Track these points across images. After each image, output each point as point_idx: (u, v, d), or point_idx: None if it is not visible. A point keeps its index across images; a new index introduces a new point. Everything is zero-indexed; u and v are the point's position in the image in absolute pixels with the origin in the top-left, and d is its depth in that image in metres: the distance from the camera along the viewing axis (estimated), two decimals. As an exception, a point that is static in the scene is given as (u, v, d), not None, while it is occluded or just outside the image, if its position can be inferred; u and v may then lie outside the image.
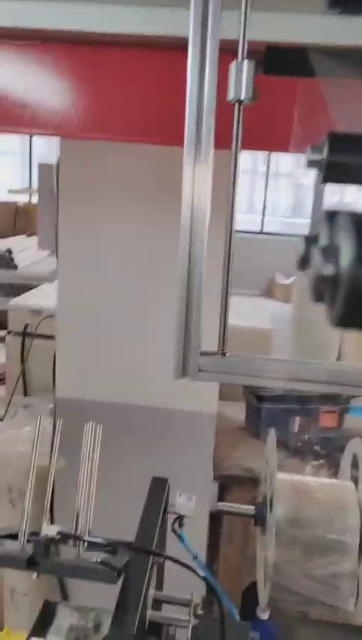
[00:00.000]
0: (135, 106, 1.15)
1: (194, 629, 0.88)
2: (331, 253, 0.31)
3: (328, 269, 0.31)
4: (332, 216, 0.33)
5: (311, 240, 0.34)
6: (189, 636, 0.88)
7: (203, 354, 0.73)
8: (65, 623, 0.88)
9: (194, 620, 0.90)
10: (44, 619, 0.87)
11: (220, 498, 2.02)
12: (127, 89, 1.14)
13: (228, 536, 2.05)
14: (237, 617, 0.99)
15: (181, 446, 1.80)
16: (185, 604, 0.94)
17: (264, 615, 2.15)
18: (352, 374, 0.85)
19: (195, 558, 0.99)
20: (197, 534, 1.59)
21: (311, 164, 0.48)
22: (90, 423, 0.83)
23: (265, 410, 2.20)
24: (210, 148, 0.79)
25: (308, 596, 1.62)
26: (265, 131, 1.17)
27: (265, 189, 8.52)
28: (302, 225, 8.57)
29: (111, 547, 0.77)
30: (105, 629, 0.84)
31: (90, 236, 1.77)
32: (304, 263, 0.33)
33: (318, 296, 0.32)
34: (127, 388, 1.76)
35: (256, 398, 2.23)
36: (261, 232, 8.42)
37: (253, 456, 2.08)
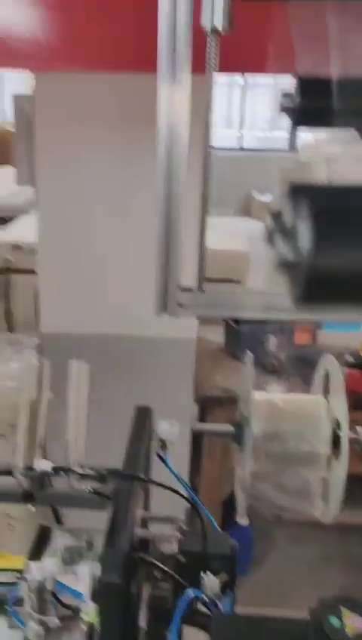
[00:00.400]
0: (107, 34, 1.09)
1: (180, 543, 0.96)
2: (292, 237, 0.32)
3: (288, 254, 0.32)
4: (295, 193, 0.33)
5: (276, 216, 0.34)
6: (176, 549, 0.96)
7: (182, 290, 0.75)
8: (60, 544, 0.95)
9: (178, 535, 0.98)
10: (40, 542, 0.93)
11: (201, 418, 2.12)
12: (98, 16, 1.08)
13: (209, 452, 2.16)
14: (218, 527, 1.07)
15: (163, 372, 1.86)
16: (171, 521, 1.01)
17: (243, 522, 2.31)
18: None
19: (178, 478, 1.06)
20: (179, 453, 1.68)
21: (283, 109, 0.48)
22: (75, 362, 0.86)
23: (242, 331, 2.26)
24: (187, 70, 0.77)
25: (281, 505, 1.75)
26: (240, 55, 1.13)
27: (242, 102, 8.20)
28: (281, 138, 8.34)
29: (101, 476, 0.83)
30: (98, 547, 0.92)
31: (69, 167, 1.72)
32: (271, 239, 0.34)
33: (282, 273, 0.34)
34: (109, 319, 1.79)
35: (233, 320, 2.29)
36: (240, 149, 8.18)
37: (232, 377, 2.16)
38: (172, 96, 0.77)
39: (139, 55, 1.00)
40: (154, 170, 0.79)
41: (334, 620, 0.74)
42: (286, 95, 0.50)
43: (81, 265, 1.83)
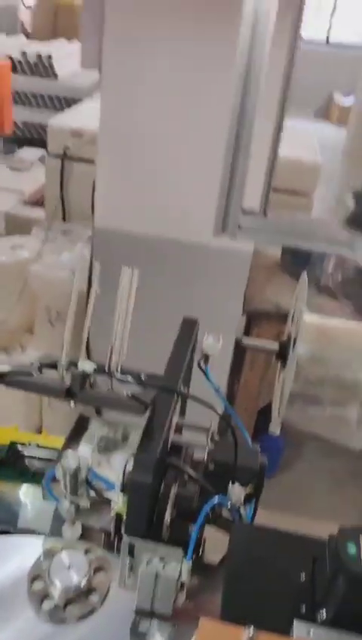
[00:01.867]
0: None
1: (211, 452, 0.99)
2: None
3: None
4: None
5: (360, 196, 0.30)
6: (206, 458, 0.99)
7: (244, 212, 0.71)
8: (97, 433, 1.00)
9: (211, 444, 1.01)
10: (78, 429, 0.98)
11: (247, 331, 2.12)
12: None
13: (251, 364, 2.18)
14: (250, 442, 1.09)
15: (215, 281, 1.83)
16: (204, 430, 1.04)
17: (275, 432, 2.37)
18: None
19: (217, 391, 1.08)
20: (221, 362, 1.70)
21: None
22: (127, 269, 0.85)
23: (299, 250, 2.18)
24: None
25: (316, 428, 1.77)
26: None
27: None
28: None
29: (140, 382, 0.84)
30: (133, 440, 0.96)
31: (138, 52, 1.61)
32: (354, 220, 0.30)
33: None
34: (166, 221, 1.75)
35: (293, 236, 2.21)
36: (326, 43, 7.50)
37: (285, 293, 2.12)
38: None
39: None
40: (230, 71, 0.72)
41: (351, 547, 0.76)
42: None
43: (143, 160, 1.77)
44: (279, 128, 0.68)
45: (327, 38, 7.50)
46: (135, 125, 1.71)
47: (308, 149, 2.78)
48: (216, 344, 1.07)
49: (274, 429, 2.17)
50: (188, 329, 1.09)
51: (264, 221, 0.72)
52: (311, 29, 7.39)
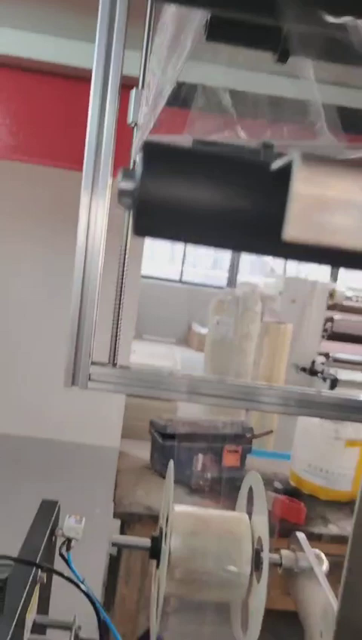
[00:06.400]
0: (44, 130, 1.19)
1: (74, 652, 0.86)
2: (132, 174, 0.39)
3: (127, 185, 0.39)
4: (146, 146, 0.41)
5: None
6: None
7: (94, 363, 0.75)
8: None
9: (74, 643, 0.88)
10: None
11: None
12: (36, 114, 1.18)
13: (125, 577, 2.00)
14: (119, 638, 0.97)
15: (82, 479, 1.77)
16: (67, 627, 0.92)
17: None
18: (249, 389, 0.89)
19: (82, 582, 0.98)
20: (94, 573, 1.55)
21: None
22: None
23: (168, 448, 2.21)
24: (108, 175, 0.83)
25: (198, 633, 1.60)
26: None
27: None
28: (221, 277, 8.89)
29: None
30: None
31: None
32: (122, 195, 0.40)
33: (127, 208, 0.40)
34: (26, 420, 1.73)
35: (160, 436, 2.25)
36: (180, 281, 8.64)
37: (156, 494, 2.07)
38: (93, 199, 0.80)
39: (73, 154, 1.09)
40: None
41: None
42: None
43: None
44: (118, 309, 0.76)
45: (181, 278, 8.66)
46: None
47: (171, 361, 3.02)
48: (77, 525, 1.01)
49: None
50: (47, 510, 1.02)
51: (113, 370, 0.76)
52: (169, 271, 8.60)
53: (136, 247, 1.65)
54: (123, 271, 0.79)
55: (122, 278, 0.78)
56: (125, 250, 0.79)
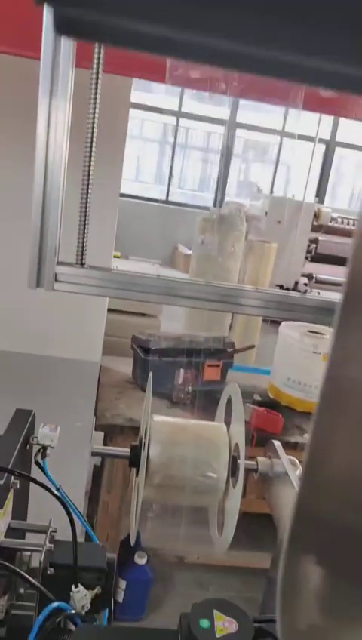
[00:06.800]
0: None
1: (48, 553, 0.87)
2: None
3: None
4: None
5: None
6: (42, 559, 0.87)
7: (60, 263, 0.70)
8: None
9: (48, 545, 0.89)
10: None
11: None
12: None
13: (107, 486, 2.06)
14: (96, 540, 0.99)
15: (63, 393, 1.77)
16: (43, 530, 0.92)
17: (141, 560, 2.19)
18: (231, 290, 0.85)
19: (58, 489, 0.98)
20: (77, 483, 1.58)
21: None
22: None
23: (150, 362, 2.21)
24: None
25: (175, 534, 1.66)
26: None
27: (172, 159, 8.56)
28: (208, 198, 8.70)
29: None
30: None
31: None
32: None
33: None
34: (7, 335, 1.70)
35: (142, 351, 2.24)
36: (166, 202, 8.43)
37: (137, 407, 2.09)
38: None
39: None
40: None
41: (204, 622, 0.68)
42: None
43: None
44: (85, 209, 0.70)
45: (167, 198, 8.45)
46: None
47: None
48: (52, 433, 1.00)
49: (140, 556, 2.00)
50: (21, 419, 1.00)
51: (80, 270, 0.71)
52: (156, 192, 8.39)
53: (115, 158, 1.55)
54: (90, 156, 0.72)
55: (89, 166, 0.71)
56: (92, 133, 0.72)
